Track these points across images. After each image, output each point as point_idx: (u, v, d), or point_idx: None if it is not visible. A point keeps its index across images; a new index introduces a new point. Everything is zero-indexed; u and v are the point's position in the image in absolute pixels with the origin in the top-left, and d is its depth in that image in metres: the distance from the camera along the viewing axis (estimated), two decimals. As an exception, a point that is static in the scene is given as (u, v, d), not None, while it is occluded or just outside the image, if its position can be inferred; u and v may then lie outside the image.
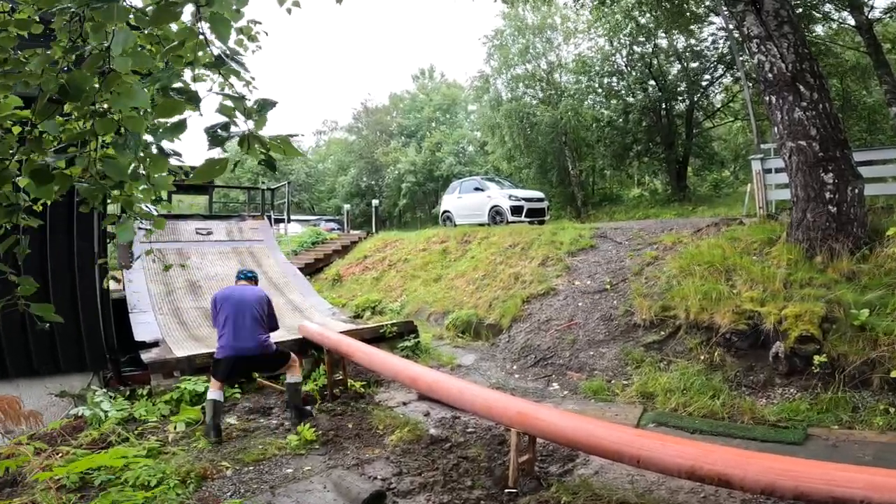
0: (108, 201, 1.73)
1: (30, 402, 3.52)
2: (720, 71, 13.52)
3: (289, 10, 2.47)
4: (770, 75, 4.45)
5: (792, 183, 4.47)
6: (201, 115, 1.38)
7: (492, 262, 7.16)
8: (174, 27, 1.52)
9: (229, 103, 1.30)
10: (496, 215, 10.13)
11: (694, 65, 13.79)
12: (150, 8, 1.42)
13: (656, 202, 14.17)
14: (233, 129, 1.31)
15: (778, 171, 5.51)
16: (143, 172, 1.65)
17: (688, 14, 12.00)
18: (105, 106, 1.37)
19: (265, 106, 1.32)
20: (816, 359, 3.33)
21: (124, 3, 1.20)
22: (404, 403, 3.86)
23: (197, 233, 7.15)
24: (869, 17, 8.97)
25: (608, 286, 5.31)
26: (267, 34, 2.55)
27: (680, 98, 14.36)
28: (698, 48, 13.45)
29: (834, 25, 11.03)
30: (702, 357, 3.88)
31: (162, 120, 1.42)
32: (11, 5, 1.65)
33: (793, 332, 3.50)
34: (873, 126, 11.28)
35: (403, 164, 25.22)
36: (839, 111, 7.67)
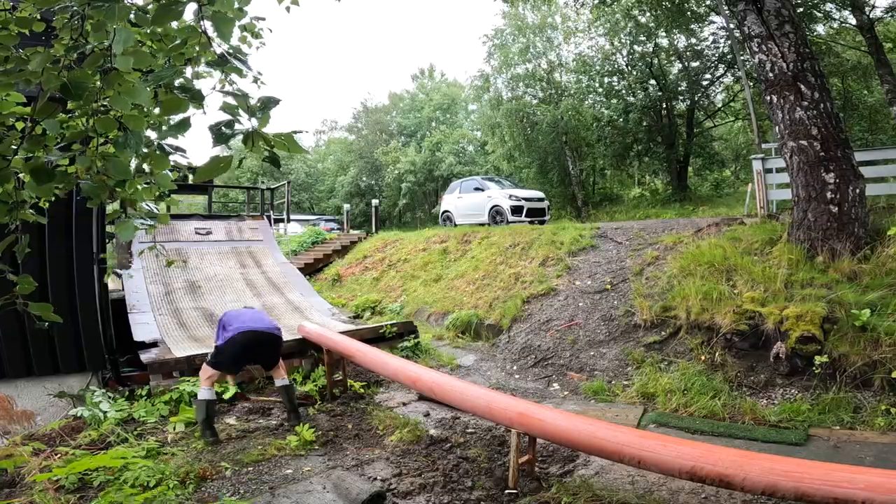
0: (110, 201, 1.72)
1: (28, 403, 3.52)
2: (721, 70, 13.51)
3: (287, 9, 2.46)
4: (771, 75, 4.44)
5: (793, 183, 4.46)
6: (205, 113, 1.38)
7: (492, 263, 7.15)
8: (175, 25, 1.52)
9: (233, 101, 1.29)
10: (496, 215, 10.11)
11: (695, 64, 13.77)
12: (151, 6, 1.41)
13: (657, 202, 14.15)
14: (236, 126, 1.30)
15: (779, 170, 5.51)
16: (147, 169, 1.64)
17: (688, 13, 12.00)
18: (106, 104, 1.37)
19: (268, 103, 1.32)
20: (817, 359, 3.32)
21: (125, 2, 1.20)
22: (404, 404, 3.85)
23: (196, 233, 7.14)
24: (870, 16, 8.96)
25: (609, 286, 5.30)
26: (271, 31, 2.54)
27: (681, 97, 14.35)
28: (699, 47, 13.44)
29: (835, 25, 11.03)
30: (702, 357, 3.87)
31: (166, 117, 1.41)
32: (13, 3, 1.64)
33: (794, 332, 3.50)
34: (874, 126, 11.27)
35: (403, 164, 25.21)
36: (840, 111, 7.68)
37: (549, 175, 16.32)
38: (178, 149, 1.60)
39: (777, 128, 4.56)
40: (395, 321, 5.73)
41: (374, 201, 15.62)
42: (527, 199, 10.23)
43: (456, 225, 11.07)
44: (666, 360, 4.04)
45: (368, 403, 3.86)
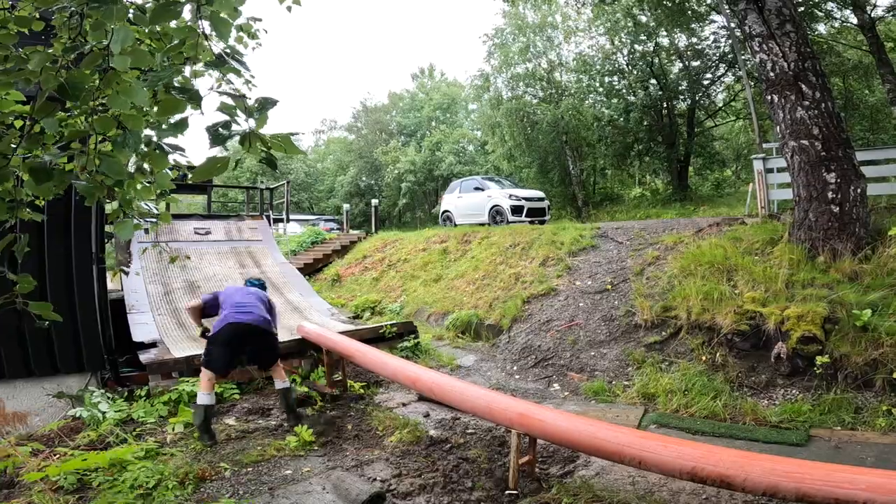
0: (108, 201, 1.72)
1: (27, 404, 3.51)
2: (722, 70, 13.49)
3: (289, 8, 2.46)
4: (772, 74, 4.43)
5: (794, 182, 4.45)
6: (202, 113, 1.37)
7: (492, 263, 7.14)
8: (174, 24, 1.51)
9: (230, 101, 1.29)
10: (496, 215, 10.10)
11: (695, 63, 13.74)
12: (150, 5, 1.41)
13: (657, 202, 14.13)
14: (234, 127, 1.30)
15: (780, 170, 5.50)
16: (147, 168, 1.64)
17: (689, 12, 11.97)
18: (104, 103, 1.36)
19: (266, 104, 1.31)
20: (819, 359, 3.32)
21: (124, 2, 1.19)
22: (404, 404, 3.84)
23: (195, 233, 7.12)
24: (871, 15, 8.94)
25: (609, 286, 5.29)
26: (266, 32, 2.54)
27: (681, 97, 14.32)
28: (700, 47, 13.41)
29: (836, 24, 11.00)
30: (703, 358, 3.86)
31: (163, 118, 1.41)
32: (12, 2, 1.63)
33: (795, 332, 3.49)
34: (876, 125, 11.25)
35: (403, 164, 25.19)
36: (841, 110, 7.67)
37: (550, 175, 16.30)
38: (177, 148, 1.59)
39: (778, 127, 4.54)
40: (394, 321, 5.72)
41: (374, 201, 15.62)
42: (527, 199, 10.22)
43: (456, 225, 11.05)
44: (667, 361, 4.03)
45: (368, 404, 3.85)
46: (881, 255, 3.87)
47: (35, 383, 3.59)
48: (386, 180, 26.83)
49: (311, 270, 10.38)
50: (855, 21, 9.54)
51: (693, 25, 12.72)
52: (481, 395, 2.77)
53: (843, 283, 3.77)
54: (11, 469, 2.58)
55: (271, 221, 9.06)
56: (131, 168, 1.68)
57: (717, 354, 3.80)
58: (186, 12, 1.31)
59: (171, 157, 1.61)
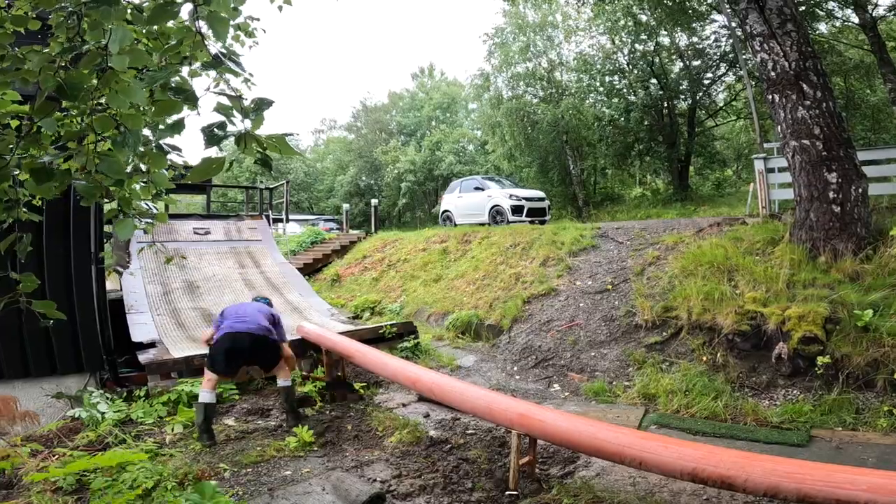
0: (106, 201, 1.71)
1: (26, 404, 3.50)
2: (723, 69, 13.47)
3: (280, 8, 2.45)
4: (773, 74, 4.42)
5: (795, 182, 4.43)
6: (199, 114, 1.37)
7: (492, 263, 7.13)
8: (171, 24, 1.51)
9: (226, 102, 1.29)
10: (497, 215, 10.09)
11: (696, 63, 13.72)
12: (147, 5, 1.40)
13: (658, 202, 14.12)
14: (229, 128, 1.29)
15: (781, 170, 5.48)
16: (144, 168, 1.63)
17: (690, 12, 11.95)
18: (103, 103, 1.36)
19: (262, 105, 1.31)
20: (820, 360, 3.31)
21: (122, 2, 1.19)
22: (404, 405, 3.84)
23: (195, 232, 7.11)
24: (873, 14, 8.91)
25: (610, 286, 5.28)
26: (265, 31, 2.53)
27: (682, 97, 14.30)
28: (700, 46, 13.39)
29: (837, 23, 10.98)
30: (704, 358, 3.85)
31: (160, 118, 1.40)
32: (8, 1, 1.63)
33: (796, 332, 3.48)
34: (877, 125, 11.23)
35: (403, 164, 25.17)
36: (843, 110, 7.64)
37: (550, 175, 16.29)
38: (174, 148, 1.59)
39: (779, 127, 4.53)
40: (394, 321, 5.72)
41: (374, 201, 15.61)
42: (527, 199, 10.21)
43: (456, 225, 11.04)
44: (667, 361, 4.02)
45: (368, 404, 3.84)
46: (882, 255, 3.86)
47: (34, 384, 3.59)
48: (386, 180, 26.82)
49: (310, 270, 10.37)
50: (856, 20, 9.51)
51: (694, 25, 12.70)
52: (481, 395, 2.76)
53: (845, 283, 3.75)
54: (10, 470, 2.57)
55: (271, 221, 9.06)
56: (128, 168, 1.67)
57: (718, 355, 3.79)
58: (184, 12, 1.30)
59: (169, 157, 1.61)
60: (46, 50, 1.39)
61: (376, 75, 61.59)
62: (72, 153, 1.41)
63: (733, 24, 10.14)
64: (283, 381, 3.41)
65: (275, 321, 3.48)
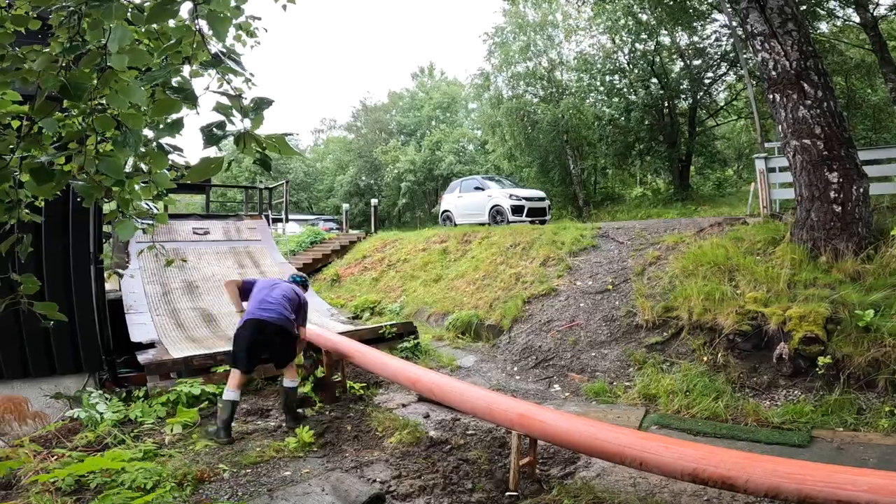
0: (106, 201, 1.71)
1: (25, 404, 3.50)
2: (723, 68, 13.46)
3: (284, 7, 2.44)
4: (774, 73, 4.41)
5: (796, 182, 4.43)
6: (198, 113, 1.36)
7: (492, 263, 7.12)
8: (171, 23, 1.50)
9: (226, 101, 1.28)
10: (497, 215, 10.08)
11: (697, 62, 13.71)
12: (147, 4, 1.39)
13: (659, 201, 14.11)
14: (229, 127, 1.29)
15: (782, 169, 5.48)
16: (145, 168, 1.63)
17: (690, 11, 11.94)
18: (103, 103, 1.35)
19: (261, 104, 1.30)
20: (821, 360, 3.30)
21: (122, 1, 1.18)
22: (404, 405, 3.83)
23: (194, 232, 7.10)
24: (874, 14, 8.90)
25: (610, 286, 5.28)
26: (266, 31, 2.52)
27: (683, 96, 14.29)
28: (701, 45, 13.38)
29: (838, 23, 10.97)
30: (705, 358, 3.84)
31: (159, 117, 1.40)
32: (8, 1, 1.62)
33: (797, 333, 3.47)
34: (878, 125, 11.22)
35: (403, 163, 25.16)
36: (844, 109, 7.64)
37: (550, 174, 16.28)
38: (175, 148, 1.58)
39: (780, 127, 4.52)
40: (394, 322, 5.71)
41: (374, 201, 15.60)
42: (527, 199, 10.20)
43: (456, 225, 11.03)
44: (668, 361, 4.01)
45: (368, 405, 3.83)
46: (883, 254, 3.85)
47: (32, 384, 3.58)
48: (385, 180, 26.80)
49: (310, 270, 10.36)
50: (857, 19, 9.50)
51: (694, 24, 12.68)
52: (481, 395, 2.76)
53: (846, 283, 3.75)
54: (9, 470, 2.57)
55: (270, 221, 9.06)
56: (129, 168, 1.67)
57: (719, 355, 3.78)
58: (184, 11, 1.29)
59: (170, 158, 1.60)
60: (47, 50, 1.38)
61: (376, 75, 61.58)
62: (72, 153, 1.40)
63: (734, 24, 10.12)
64: (289, 382, 3.42)
65: (299, 306, 3.51)
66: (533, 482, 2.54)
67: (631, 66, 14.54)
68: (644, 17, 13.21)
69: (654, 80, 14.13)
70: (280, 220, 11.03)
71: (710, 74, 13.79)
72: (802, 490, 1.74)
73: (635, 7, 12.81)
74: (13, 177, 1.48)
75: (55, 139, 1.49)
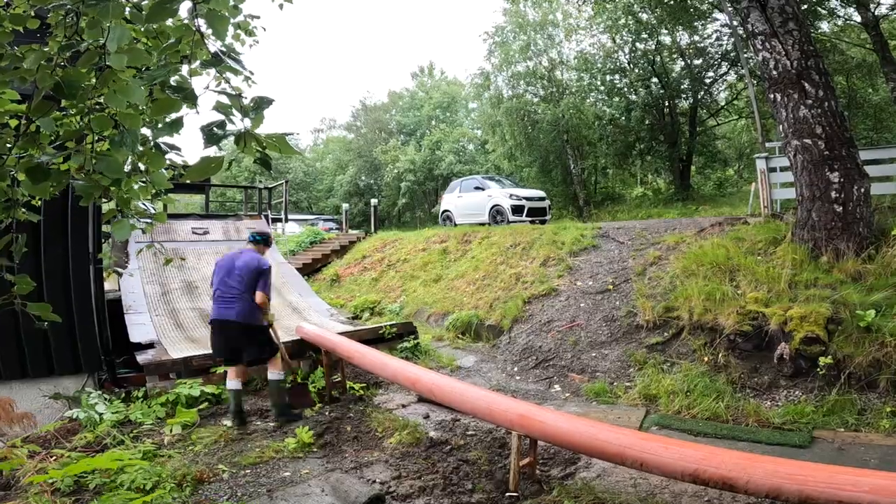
0: (104, 201, 1.71)
1: (23, 405, 3.49)
2: (724, 68, 13.45)
3: (280, 6, 2.43)
4: (775, 73, 4.40)
5: (797, 182, 4.41)
6: (198, 112, 1.35)
7: (492, 263, 7.11)
8: (170, 22, 1.49)
9: (226, 101, 1.27)
10: (497, 215, 10.07)
11: (697, 62, 13.70)
12: (146, 3, 1.39)
13: (659, 201, 14.10)
14: (229, 126, 1.28)
15: (783, 169, 5.47)
16: (143, 168, 1.62)
17: (691, 10, 11.93)
18: (101, 102, 1.34)
19: (262, 104, 1.30)
20: (822, 360, 3.29)
21: (120, 0, 1.17)
22: (403, 406, 3.82)
23: (193, 232, 7.09)
24: (875, 13, 8.89)
25: (611, 287, 5.27)
26: (265, 30, 2.51)
27: (683, 95, 14.28)
28: (702, 45, 13.36)
29: (839, 22, 10.96)
30: (705, 359, 3.83)
31: (159, 117, 1.39)
32: (7, 0, 1.61)
33: (798, 333, 3.46)
34: (880, 124, 11.21)
35: (402, 163, 25.15)
36: (845, 109, 7.61)
37: (551, 174, 16.27)
38: (173, 147, 1.57)
39: (781, 126, 4.51)
40: (394, 322, 5.70)
41: (373, 201, 15.59)
42: (528, 199, 10.19)
43: (456, 224, 11.03)
44: (668, 362, 4.01)
45: (367, 405, 3.83)
46: (885, 254, 3.84)
47: (31, 384, 3.58)
48: (385, 180, 26.79)
49: (309, 271, 10.36)
50: (858, 19, 9.49)
51: (695, 23, 12.67)
52: (482, 396, 2.75)
53: (847, 283, 3.74)
54: (8, 471, 2.56)
55: (270, 221, 9.04)
56: (127, 167, 1.66)
57: (720, 355, 3.77)
58: (183, 10, 1.29)
59: (167, 157, 1.60)
60: (46, 49, 1.37)
61: (376, 75, 61.56)
62: (70, 153, 1.39)
63: (735, 23, 10.11)
64: (271, 374, 3.44)
65: (259, 274, 3.33)
66: (533, 483, 2.54)
67: (631, 66, 14.52)
68: (644, 17, 13.20)
69: (655, 80, 14.12)
70: (279, 220, 11.02)
71: (710, 74, 13.79)
72: (804, 491, 1.73)
73: (636, 6, 12.79)
74: (10, 176, 1.47)
75: (53, 138, 1.49)
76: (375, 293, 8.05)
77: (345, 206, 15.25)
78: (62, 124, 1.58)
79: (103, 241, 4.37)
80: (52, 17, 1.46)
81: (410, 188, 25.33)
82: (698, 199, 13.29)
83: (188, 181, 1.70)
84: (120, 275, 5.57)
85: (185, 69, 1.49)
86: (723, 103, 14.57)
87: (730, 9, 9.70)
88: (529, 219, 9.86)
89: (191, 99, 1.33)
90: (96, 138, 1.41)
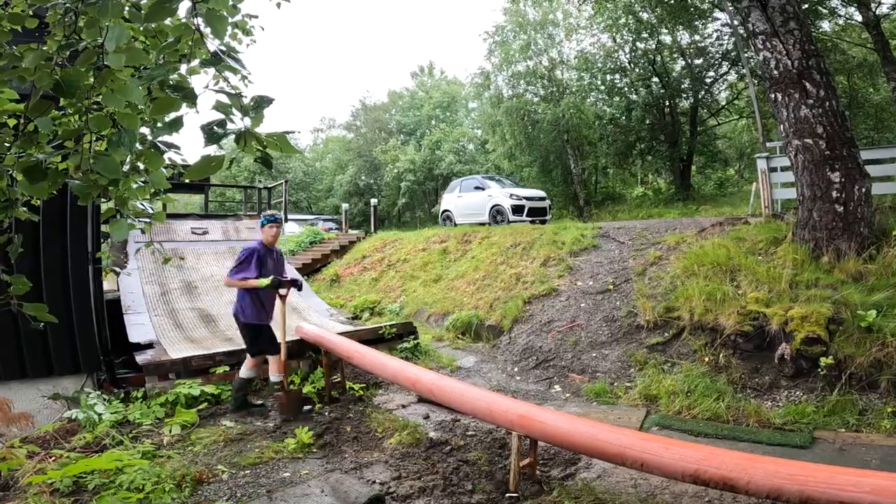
0: (103, 201, 1.70)
1: (22, 405, 3.48)
2: (725, 68, 13.44)
3: (278, 5, 2.43)
4: (776, 72, 4.39)
5: (798, 182, 4.41)
6: (197, 111, 1.35)
7: (492, 263, 7.11)
8: (169, 21, 1.49)
9: (226, 100, 1.26)
10: (497, 214, 10.07)
11: (698, 61, 13.69)
12: (145, 2, 1.38)
13: (660, 201, 14.10)
14: (229, 126, 1.27)
15: (784, 169, 5.46)
16: (142, 167, 1.62)
17: (691, 9, 11.92)
18: (99, 101, 1.34)
19: (262, 103, 1.29)
20: (823, 361, 3.28)
21: (118, -1, 1.17)
22: (403, 406, 3.82)
23: (192, 232, 7.08)
24: (876, 13, 8.88)
25: (611, 287, 5.26)
26: (263, 29, 2.51)
27: (684, 95, 14.27)
28: (702, 44, 13.36)
29: (840, 21, 10.95)
30: (706, 359, 3.83)
31: (158, 116, 1.38)
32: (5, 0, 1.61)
33: (799, 333, 3.45)
34: (880, 124, 11.20)
35: (402, 163, 25.14)
36: (846, 109, 7.60)
37: (551, 174, 16.26)
38: (172, 146, 1.57)
39: (782, 126, 4.50)
40: (394, 322, 5.70)
41: (373, 200, 15.59)
42: (528, 199, 10.18)
43: (456, 224, 11.02)
44: (669, 362, 4.00)
45: (367, 406, 3.82)
46: (886, 254, 3.83)
47: (30, 385, 3.57)
48: (385, 179, 26.78)
49: (309, 271, 10.36)
50: (859, 18, 9.47)
51: (696, 23, 12.66)
52: (482, 396, 2.74)
53: (848, 283, 3.73)
54: (6, 471, 2.56)
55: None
56: (125, 167, 1.66)
57: (720, 355, 3.77)
58: (182, 9, 1.28)
59: (167, 156, 1.59)
60: (44, 48, 1.37)
61: (376, 74, 61.55)
62: (67, 152, 1.39)
63: (735, 22, 10.10)
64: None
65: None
66: (533, 483, 2.53)
67: (632, 65, 14.52)
68: (645, 16, 13.19)
69: (655, 79, 14.11)
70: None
71: (711, 73, 13.78)
72: (804, 491, 1.72)
73: (636, 5, 12.79)
74: (9, 175, 1.47)
75: (51, 137, 1.48)
76: (375, 293, 8.05)
77: (344, 205, 15.25)
78: (60, 123, 1.57)
79: (102, 240, 4.36)
80: (50, 16, 1.45)
81: (410, 188, 25.32)
82: (699, 198, 13.28)
83: (188, 180, 1.70)
84: (118, 274, 5.57)
85: (183, 68, 1.49)
86: (723, 103, 14.56)
87: (730, 8, 9.69)
88: (530, 219, 9.85)
89: (190, 98, 1.33)
90: (94, 138, 1.40)
